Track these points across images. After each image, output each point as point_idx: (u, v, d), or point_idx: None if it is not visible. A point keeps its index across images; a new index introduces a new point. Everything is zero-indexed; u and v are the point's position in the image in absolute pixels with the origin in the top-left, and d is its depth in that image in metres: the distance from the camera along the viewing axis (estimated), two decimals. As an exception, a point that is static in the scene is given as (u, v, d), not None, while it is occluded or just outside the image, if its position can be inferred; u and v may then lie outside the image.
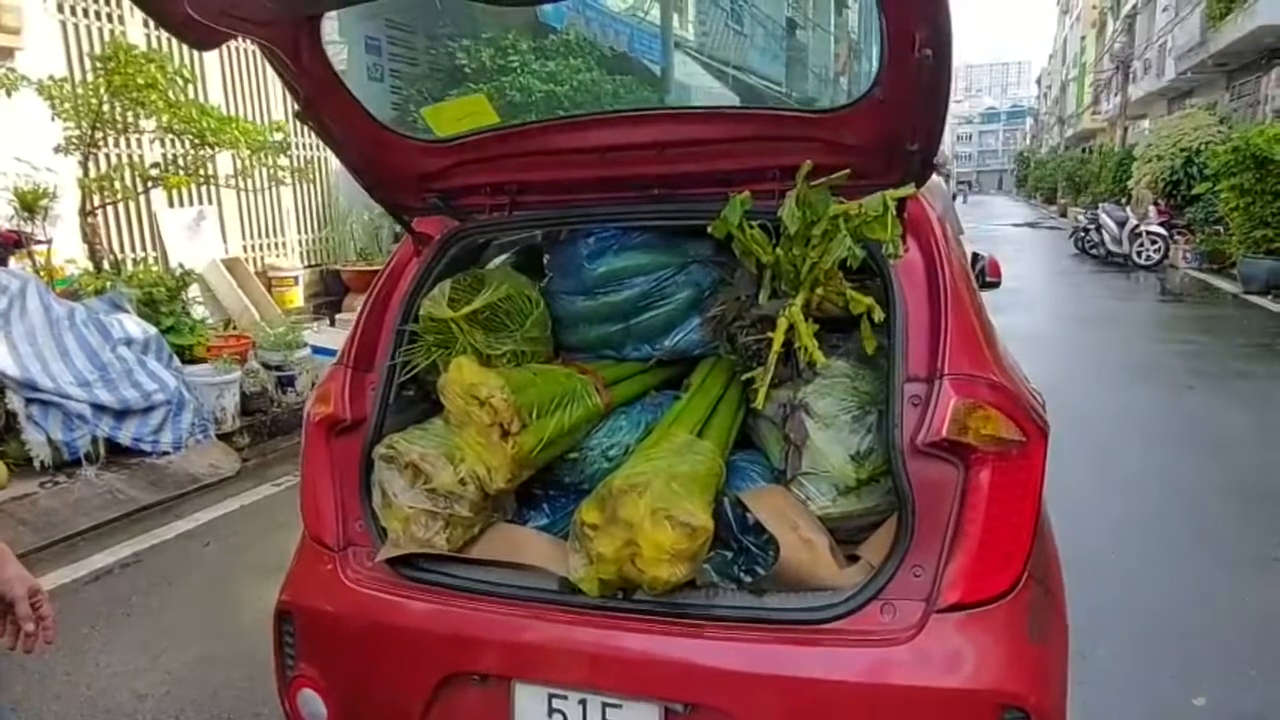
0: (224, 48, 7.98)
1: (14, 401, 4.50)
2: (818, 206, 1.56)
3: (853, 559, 1.71)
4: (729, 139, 1.81)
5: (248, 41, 1.61)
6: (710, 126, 1.84)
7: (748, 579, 1.71)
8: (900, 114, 1.54)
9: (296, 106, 1.81)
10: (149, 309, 5.67)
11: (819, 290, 1.67)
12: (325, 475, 1.95)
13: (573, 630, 1.67)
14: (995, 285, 4.05)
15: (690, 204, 1.94)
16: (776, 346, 1.66)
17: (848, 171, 1.58)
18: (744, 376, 1.93)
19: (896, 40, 1.42)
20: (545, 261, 2.27)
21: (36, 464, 4.55)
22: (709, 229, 1.68)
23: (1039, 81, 74.81)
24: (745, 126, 1.81)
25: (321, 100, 1.80)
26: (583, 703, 1.65)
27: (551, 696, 1.67)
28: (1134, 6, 28.05)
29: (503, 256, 2.51)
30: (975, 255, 3.96)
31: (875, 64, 1.53)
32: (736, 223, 1.62)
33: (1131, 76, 27.37)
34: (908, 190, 1.53)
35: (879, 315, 1.63)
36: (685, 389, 2.14)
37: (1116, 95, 29.68)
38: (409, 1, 10.20)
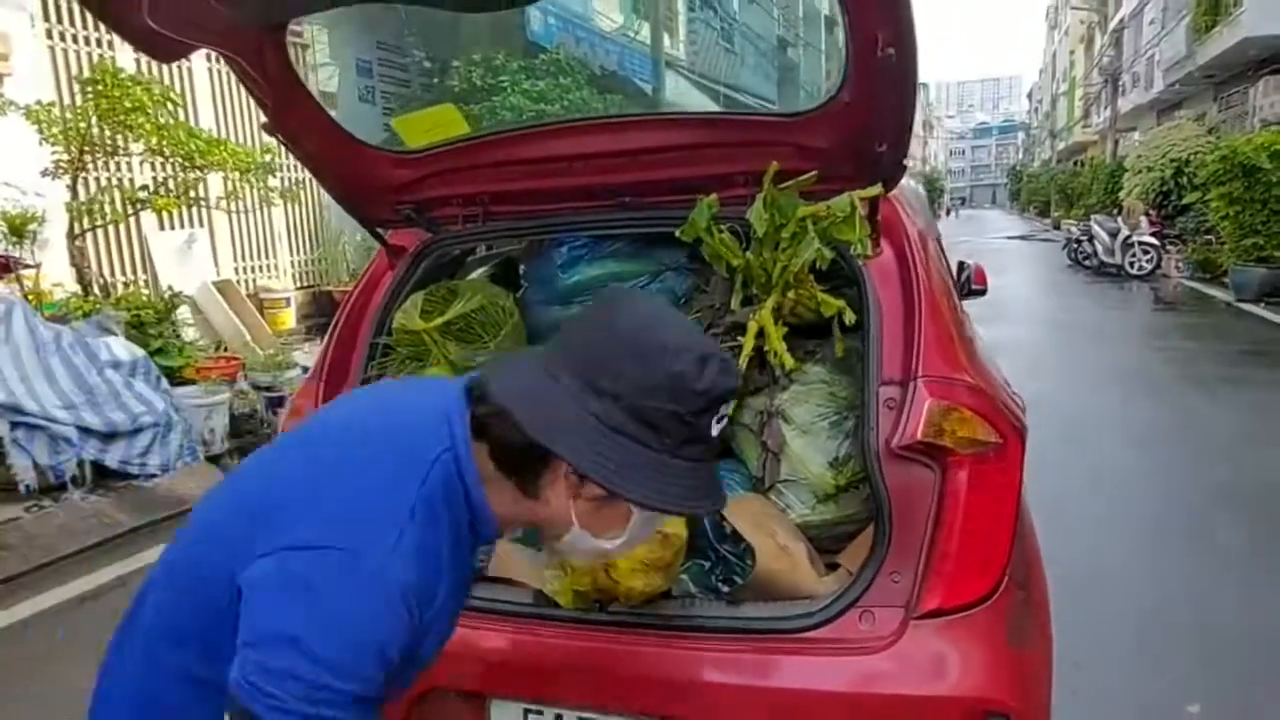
0: (214, 70, 8.03)
1: (-2, 425, 4.46)
2: (786, 209, 1.54)
3: (832, 567, 1.68)
4: (697, 145, 1.79)
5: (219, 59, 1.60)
6: (678, 132, 1.83)
7: (725, 588, 1.69)
8: (867, 115, 1.53)
9: (264, 119, 1.80)
10: (137, 331, 5.65)
11: (790, 294, 1.65)
12: (298, 491, 1.92)
13: (548, 644, 1.63)
14: (982, 293, 4.03)
15: (661, 211, 1.92)
16: (747, 350, 1.64)
17: (815, 174, 1.57)
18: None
19: (860, 41, 1.41)
20: (521, 272, 2.26)
21: (22, 488, 4.50)
22: (677, 233, 1.66)
23: (1030, 96, 75.39)
24: (713, 132, 1.80)
25: (289, 112, 1.79)
26: (558, 718, 1.62)
27: (527, 712, 1.64)
28: (1121, 20, 28.31)
29: (480, 270, 2.49)
30: (962, 264, 3.96)
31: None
32: (704, 226, 1.60)
33: (1120, 89, 27.59)
34: (875, 190, 1.51)
35: (850, 317, 1.62)
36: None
37: (1106, 108, 29.93)
38: (397, 22, 10.25)
